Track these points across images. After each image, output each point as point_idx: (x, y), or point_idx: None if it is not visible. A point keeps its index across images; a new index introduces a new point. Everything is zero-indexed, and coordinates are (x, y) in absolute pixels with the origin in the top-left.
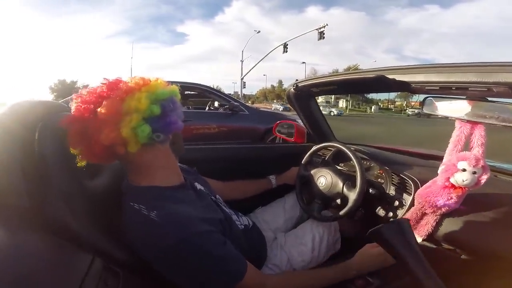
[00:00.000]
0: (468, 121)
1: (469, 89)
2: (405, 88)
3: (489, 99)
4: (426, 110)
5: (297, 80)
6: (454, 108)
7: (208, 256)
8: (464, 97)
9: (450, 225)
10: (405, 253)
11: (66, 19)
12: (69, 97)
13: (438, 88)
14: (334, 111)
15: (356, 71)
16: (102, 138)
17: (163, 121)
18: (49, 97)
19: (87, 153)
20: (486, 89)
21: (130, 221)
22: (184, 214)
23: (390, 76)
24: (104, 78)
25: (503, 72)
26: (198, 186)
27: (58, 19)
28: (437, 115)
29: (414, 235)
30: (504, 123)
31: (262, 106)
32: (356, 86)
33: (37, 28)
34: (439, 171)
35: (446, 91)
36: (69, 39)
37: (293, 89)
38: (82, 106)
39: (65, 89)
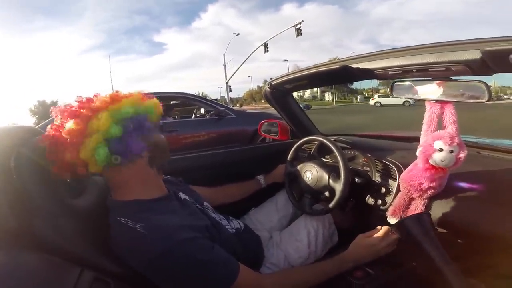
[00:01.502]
0: (436, 101)
1: (429, 70)
2: (370, 75)
3: (453, 78)
4: (395, 95)
5: (271, 78)
6: (421, 90)
7: (195, 262)
8: (430, 78)
9: (440, 208)
10: (424, 242)
11: (34, 36)
12: (50, 119)
13: (400, 72)
14: (410, 100)
15: (322, 63)
16: (65, 157)
17: (122, 144)
18: (30, 119)
19: (58, 169)
20: (444, 68)
21: (117, 235)
22: (168, 223)
23: (354, 66)
24: (78, 96)
25: (457, 50)
26: (182, 196)
27: (26, 37)
28: (407, 99)
29: (432, 226)
30: (470, 100)
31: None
32: (325, 79)
33: (5, 49)
34: (417, 153)
35: (409, 74)
36: (42, 57)
37: (268, 87)
38: (54, 125)
39: (46, 110)
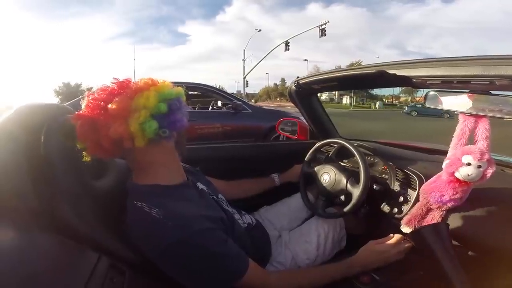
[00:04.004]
0: (471, 115)
1: (471, 82)
2: (407, 82)
3: (492, 92)
4: (428, 105)
5: (298, 77)
6: (457, 102)
7: (209, 253)
8: (467, 90)
9: (457, 221)
10: (439, 252)
11: (66, 22)
12: (74, 100)
13: (439, 82)
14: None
15: (357, 67)
16: (111, 132)
17: (169, 118)
18: (54, 100)
19: (94, 148)
20: (488, 82)
21: (133, 219)
22: (185, 212)
23: (391, 71)
24: (114, 78)
25: (505, 65)
26: (200, 186)
27: (58, 22)
28: (440, 109)
29: (449, 237)
30: (508, 116)
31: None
32: (357, 82)
33: (38, 32)
34: (443, 166)
35: (448, 85)
36: (71, 42)
37: (294, 86)
38: (93, 103)
39: (70, 92)
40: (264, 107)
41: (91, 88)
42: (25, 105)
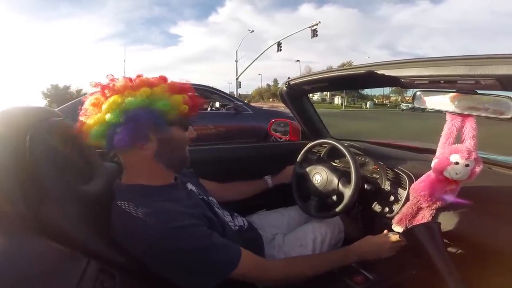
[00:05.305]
0: (458, 114)
1: (458, 82)
2: (395, 83)
3: (479, 91)
4: (417, 104)
5: (289, 78)
6: (445, 102)
7: (192, 248)
8: (454, 90)
9: (447, 219)
10: (431, 251)
11: (56, 23)
12: (64, 105)
13: (427, 82)
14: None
15: (346, 67)
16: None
17: (110, 132)
18: (42, 102)
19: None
20: (474, 82)
21: (116, 219)
22: (167, 210)
23: (380, 72)
24: (108, 75)
25: (490, 64)
26: (190, 187)
27: (48, 23)
28: (428, 109)
29: (441, 236)
30: (494, 115)
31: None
32: (347, 83)
33: (27, 34)
34: (432, 165)
35: (435, 84)
36: (61, 43)
37: (285, 87)
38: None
39: (58, 94)
40: (264, 107)
41: (80, 90)
42: (10, 108)
